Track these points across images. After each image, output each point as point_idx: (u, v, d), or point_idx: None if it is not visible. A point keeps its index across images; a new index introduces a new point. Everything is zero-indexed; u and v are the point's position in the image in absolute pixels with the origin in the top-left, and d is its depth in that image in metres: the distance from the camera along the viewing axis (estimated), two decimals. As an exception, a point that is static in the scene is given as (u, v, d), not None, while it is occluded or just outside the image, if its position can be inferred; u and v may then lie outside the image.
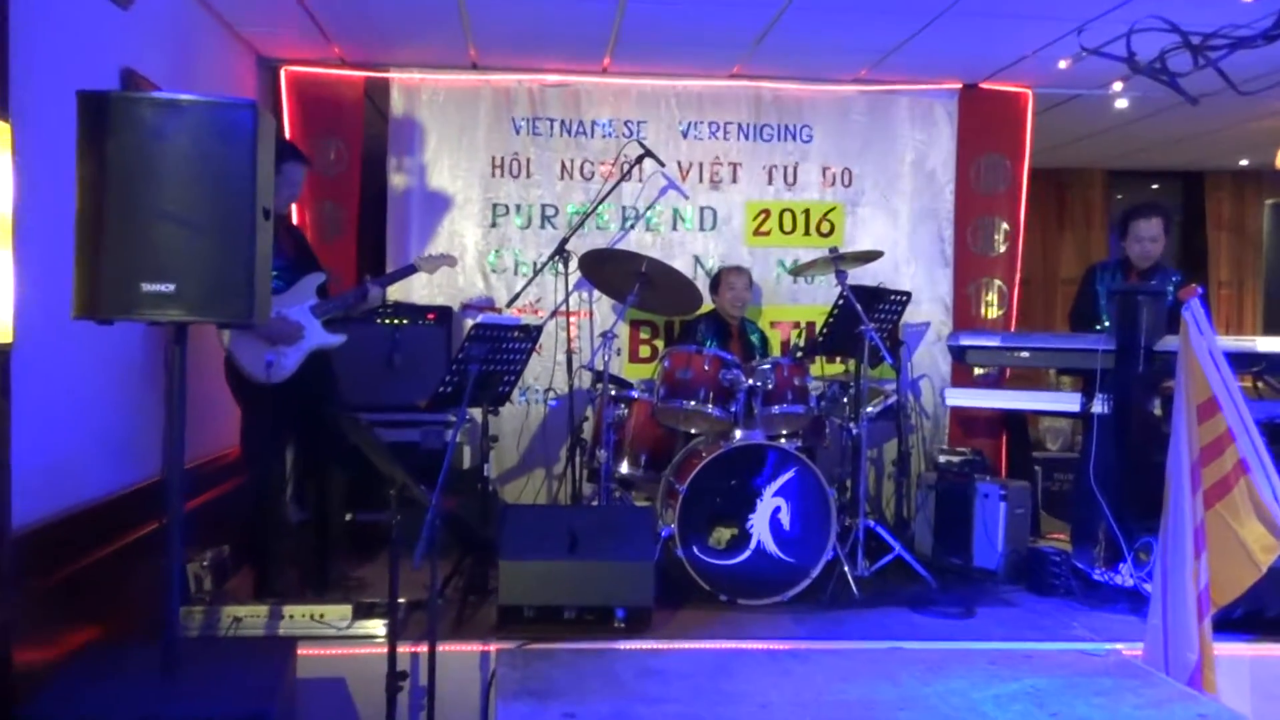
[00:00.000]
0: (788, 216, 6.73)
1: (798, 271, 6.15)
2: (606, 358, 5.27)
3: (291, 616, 4.12)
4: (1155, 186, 10.22)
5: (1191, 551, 3.83)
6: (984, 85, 6.73)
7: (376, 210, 6.55)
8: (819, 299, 6.65)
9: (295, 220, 5.67)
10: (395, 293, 6.14)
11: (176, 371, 3.14)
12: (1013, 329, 6.84)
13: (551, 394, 6.42)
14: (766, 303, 6.71)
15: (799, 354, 5.50)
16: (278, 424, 4.71)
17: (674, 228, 6.67)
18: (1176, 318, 4.11)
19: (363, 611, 4.17)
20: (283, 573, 4.71)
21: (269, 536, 4.70)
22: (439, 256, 5.30)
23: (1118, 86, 6.44)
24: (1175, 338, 4.14)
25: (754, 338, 6.23)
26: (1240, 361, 4.60)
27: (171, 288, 2.94)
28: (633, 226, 6.61)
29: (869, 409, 5.52)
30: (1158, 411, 5.13)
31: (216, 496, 5.05)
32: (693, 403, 5.10)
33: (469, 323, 5.68)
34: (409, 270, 5.25)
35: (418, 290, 6.38)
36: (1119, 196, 10.04)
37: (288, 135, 6.17)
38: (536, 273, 6.31)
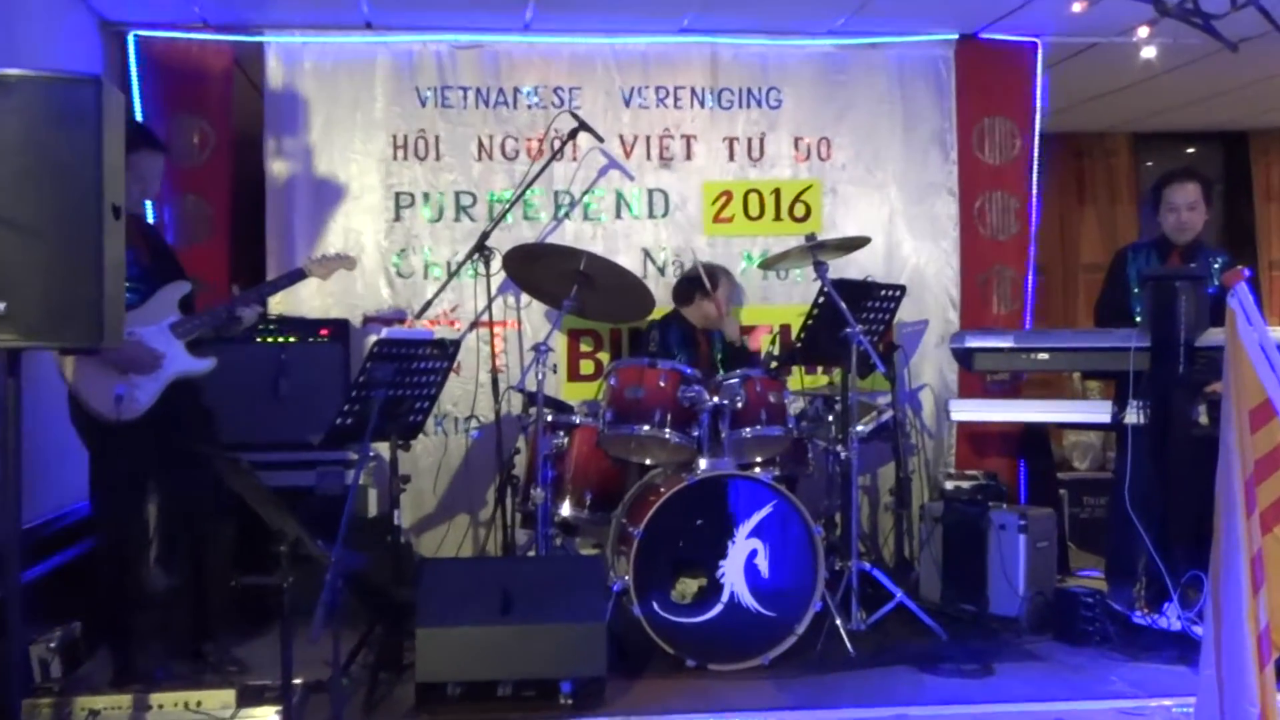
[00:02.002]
0: (754, 198, 6.77)
1: (768, 264, 6.18)
2: (540, 376, 5.27)
3: (161, 706, 4.10)
4: (1191, 150, 10.35)
5: (1249, 586, 3.87)
6: (984, 35, 6.82)
7: (252, 205, 6.51)
8: (794, 297, 6.70)
9: (151, 219, 5.62)
10: (279, 304, 6.10)
11: (10, 410, 3.11)
12: (1028, 327, 6.92)
13: (474, 423, 6.42)
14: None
15: (773, 364, 5.53)
16: (135, 471, 4.66)
17: (617, 216, 6.69)
18: (1221, 307, 4.17)
19: (250, 696, 4.15)
20: (148, 653, 4.65)
21: (130, 609, 4.64)
22: (334, 257, 5.29)
23: (1143, 32, 6.52)
24: (1221, 331, 4.21)
25: (718, 344, 6.19)
26: (1298, 357, 4.68)
27: (1, 307, 2.91)
28: (567, 216, 6.63)
29: (859, 428, 5.57)
30: (1203, 420, 5.20)
31: (65, 563, 4.98)
32: (646, 428, 5.11)
33: (371, 339, 5.65)
34: (296, 276, 5.21)
35: (307, 301, 6.34)
36: (1149, 164, 10.14)
37: (140, 117, 6.12)
38: (452, 275, 6.29)
